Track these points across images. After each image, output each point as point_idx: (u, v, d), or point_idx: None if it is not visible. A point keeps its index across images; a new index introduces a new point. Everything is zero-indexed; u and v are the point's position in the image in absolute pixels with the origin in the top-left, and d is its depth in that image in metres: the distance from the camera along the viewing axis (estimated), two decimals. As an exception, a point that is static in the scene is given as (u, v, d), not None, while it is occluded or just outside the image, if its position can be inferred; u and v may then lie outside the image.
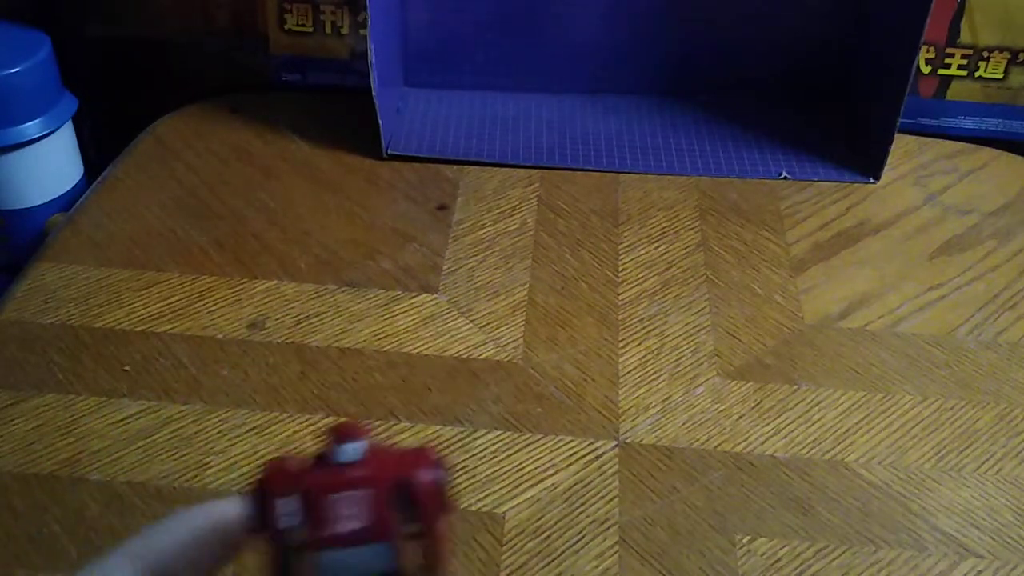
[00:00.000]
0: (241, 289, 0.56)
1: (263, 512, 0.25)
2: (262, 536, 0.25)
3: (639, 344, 0.54)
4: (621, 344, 0.54)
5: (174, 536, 0.26)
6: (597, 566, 0.43)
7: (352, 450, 0.25)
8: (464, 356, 0.53)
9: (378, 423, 0.49)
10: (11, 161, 0.66)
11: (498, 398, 0.50)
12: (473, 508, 0.45)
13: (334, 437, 0.26)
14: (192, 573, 0.26)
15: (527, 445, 0.48)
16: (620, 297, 0.57)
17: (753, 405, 0.50)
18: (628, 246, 0.61)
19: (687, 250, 0.60)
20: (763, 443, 0.49)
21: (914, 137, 0.71)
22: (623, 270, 0.59)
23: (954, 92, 0.72)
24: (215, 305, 0.55)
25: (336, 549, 0.24)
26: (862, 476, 0.47)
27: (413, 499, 0.25)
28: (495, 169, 0.67)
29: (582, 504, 0.45)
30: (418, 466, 0.26)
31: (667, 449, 0.48)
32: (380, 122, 0.65)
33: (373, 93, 0.64)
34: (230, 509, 0.26)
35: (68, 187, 0.70)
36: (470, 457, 0.47)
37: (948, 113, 0.72)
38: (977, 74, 0.71)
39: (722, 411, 0.50)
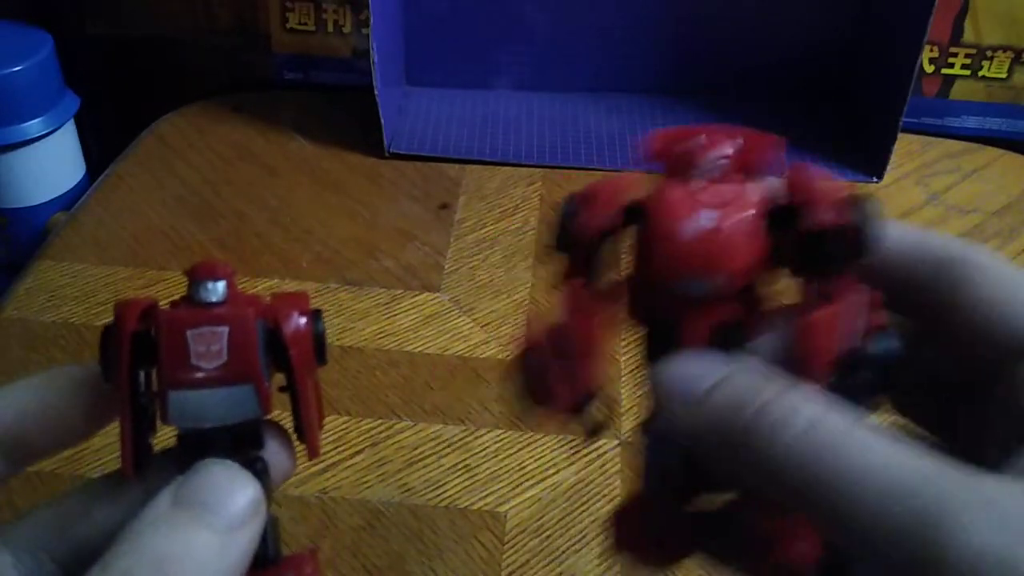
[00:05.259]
0: (243, 288, 0.56)
1: (113, 353, 0.22)
2: (115, 383, 0.22)
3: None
4: (623, 342, 0.54)
5: (23, 396, 0.23)
6: (598, 565, 0.43)
7: (214, 288, 0.23)
8: (466, 355, 0.53)
9: (379, 421, 0.48)
10: (13, 159, 0.66)
11: (500, 397, 0.50)
12: (474, 507, 0.45)
13: (193, 275, 0.23)
14: (49, 437, 0.23)
15: (528, 444, 0.48)
16: (622, 296, 0.57)
17: (755, 404, 0.50)
18: (631, 244, 0.60)
19: (689, 249, 0.60)
20: (765, 442, 0.48)
21: (917, 136, 0.71)
22: (626, 268, 0.59)
23: (957, 91, 0.72)
24: (217, 303, 0.55)
25: (192, 389, 0.22)
26: (864, 476, 0.47)
27: (281, 345, 0.23)
28: (497, 168, 0.67)
29: (584, 503, 0.45)
30: (289, 310, 0.23)
31: (669, 448, 0.48)
32: (382, 121, 0.65)
33: (375, 92, 0.64)
34: (88, 366, 0.23)
35: (70, 186, 0.70)
36: (471, 456, 0.47)
37: (951, 113, 0.72)
38: (980, 73, 0.71)
39: (724, 410, 0.50)
